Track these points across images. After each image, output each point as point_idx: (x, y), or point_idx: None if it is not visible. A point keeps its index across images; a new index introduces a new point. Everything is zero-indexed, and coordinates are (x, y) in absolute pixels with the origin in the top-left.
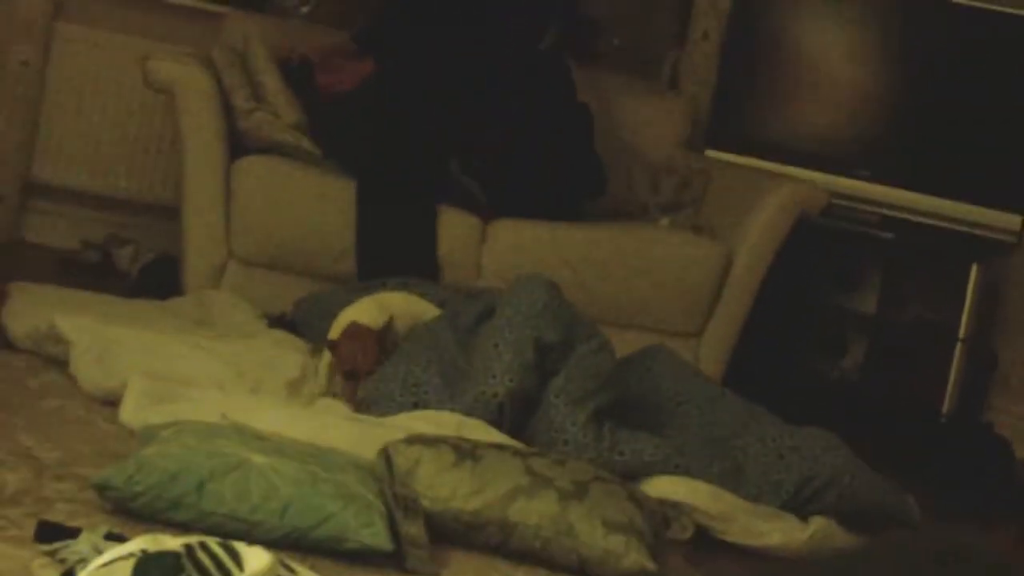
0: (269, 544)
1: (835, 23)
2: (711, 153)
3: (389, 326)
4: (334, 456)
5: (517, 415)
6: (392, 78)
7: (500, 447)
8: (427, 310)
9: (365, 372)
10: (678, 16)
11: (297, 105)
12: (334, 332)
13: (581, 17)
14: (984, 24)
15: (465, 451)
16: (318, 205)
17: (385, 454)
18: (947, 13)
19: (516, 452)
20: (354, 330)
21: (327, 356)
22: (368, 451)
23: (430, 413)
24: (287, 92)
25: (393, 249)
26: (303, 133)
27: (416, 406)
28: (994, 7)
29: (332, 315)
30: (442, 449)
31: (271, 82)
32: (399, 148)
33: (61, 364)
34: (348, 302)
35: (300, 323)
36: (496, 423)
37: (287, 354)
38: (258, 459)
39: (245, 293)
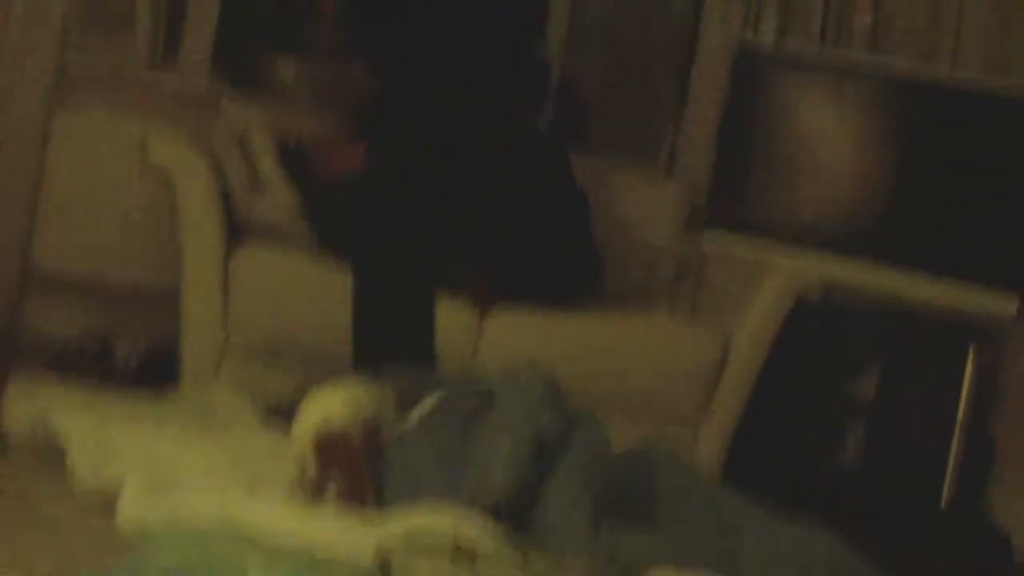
0: None
1: (832, 104)
2: (709, 237)
3: (373, 426)
4: (330, 568)
5: (515, 511)
6: (389, 162)
7: (498, 547)
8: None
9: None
10: (675, 98)
11: (294, 190)
12: (303, 434)
13: (577, 100)
14: (978, 105)
15: (463, 554)
16: (316, 292)
17: (381, 559)
18: (943, 94)
19: (514, 552)
20: (337, 455)
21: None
22: (365, 552)
23: (428, 506)
24: (285, 177)
25: (390, 336)
26: (301, 219)
27: (414, 496)
28: (988, 88)
29: None
30: (439, 552)
31: (269, 167)
32: (394, 233)
33: (57, 458)
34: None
35: None
36: (494, 518)
37: (286, 448)
38: (254, 573)
39: (244, 381)
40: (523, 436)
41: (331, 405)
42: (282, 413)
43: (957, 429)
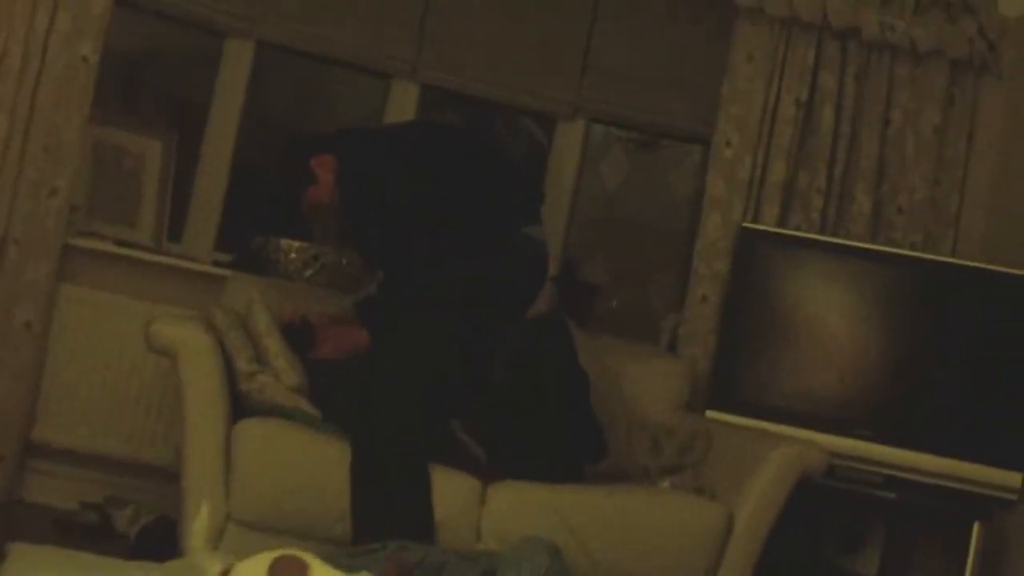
0: None
1: (834, 286)
2: (711, 414)
3: None
4: None
5: None
6: (389, 343)
7: None
8: None
9: None
10: (677, 279)
11: (298, 368)
12: None
13: (580, 280)
14: (982, 284)
15: None
16: (317, 468)
17: None
18: (945, 274)
19: None
20: None
21: None
22: None
23: None
24: (289, 355)
25: (388, 513)
26: (303, 396)
27: None
28: (992, 267)
29: None
30: None
31: (273, 345)
32: (392, 412)
33: None
34: (349, 567)
35: None
36: None
37: None
38: None
39: (244, 555)
40: None
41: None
42: None
43: None
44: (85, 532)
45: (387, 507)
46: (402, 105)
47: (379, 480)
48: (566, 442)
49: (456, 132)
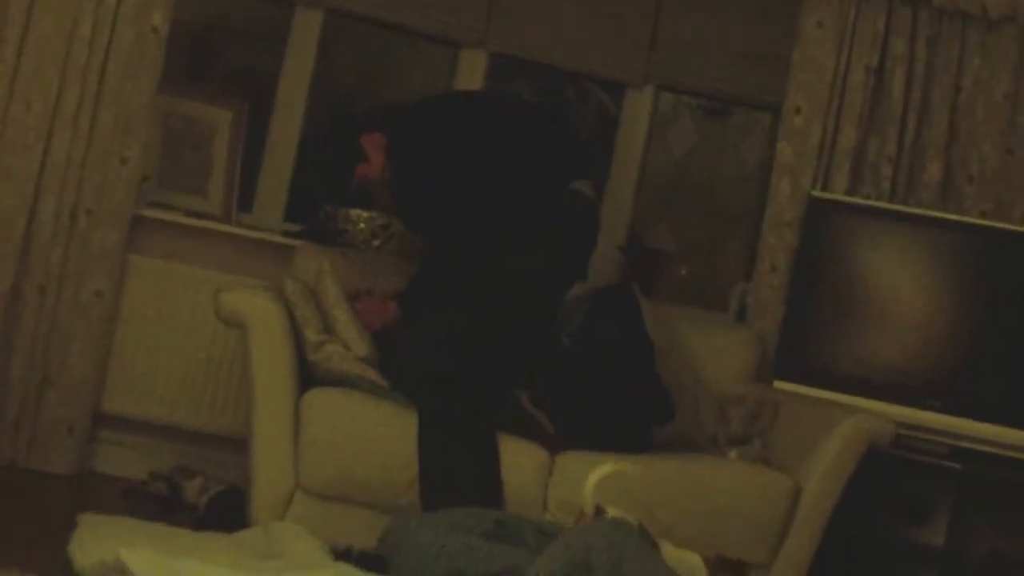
0: None
1: (903, 255)
2: (779, 385)
3: None
4: None
5: None
6: (447, 314)
7: None
8: None
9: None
10: (745, 248)
11: (367, 339)
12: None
13: (648, 247)
14: None
15: None
16: (385, 438)
17: None
18: (1015, 242)
19: None
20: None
21: None
22: None
23: None
24: (357, 326)
25: (457, 483)
26: (372, 366)
27: None
28: None
29: (422, 556)
30: None
31: (341, 316)
32: (457, 382)
33: None
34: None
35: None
36: None
37: None
38: None
39: (311, 525)
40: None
41: None
42: (350, 556)
43: None
44: (154, 502)
45: (456, 477)
46: (471, 74)
47: (447, 450)
48: (633, 408)
49: (497, 97)
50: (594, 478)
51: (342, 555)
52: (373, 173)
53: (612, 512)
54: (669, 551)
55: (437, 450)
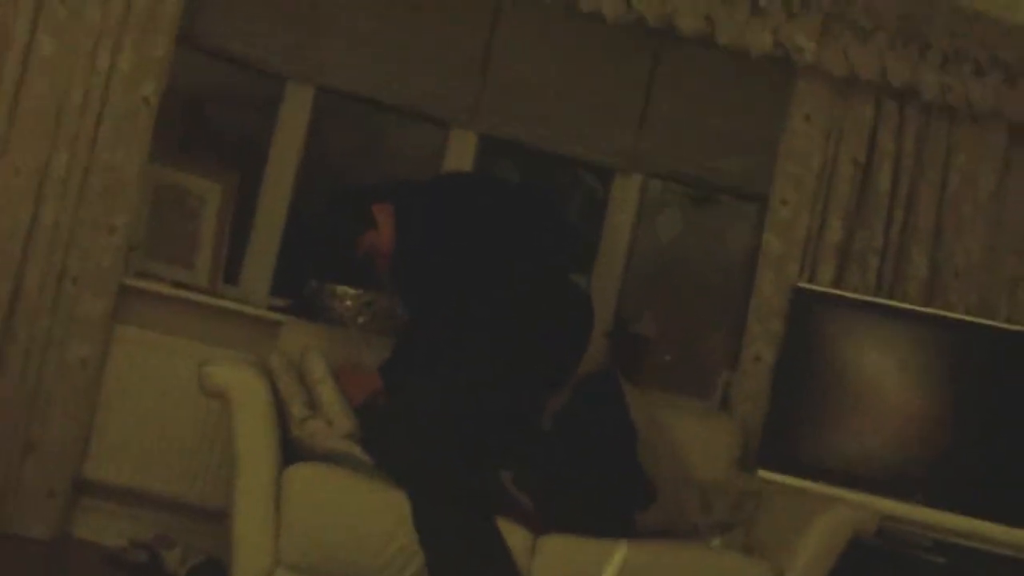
0: None
1: (888, 348)
2: (763, 474)
3: None
4: None
5: None
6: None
7: None
8: None
9: None
10: (730, 336)
11: (351, 416)
12: None
13: (633, 333)
14: None
15: None
16: (368, 515)
17: None
18: (995, 338)
19: None
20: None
21: None
22: None
23: None
24: (342, 403)
25: (466, 566)
26: (356, 443)
27: None
28: None
29: None
30: None
31: (327, 392)
32: (449, 463)
33: None
34: None
35: None
36: None
37: None
38: None
39: None
40: None
41: None
42: None
43: None
44: (134, 570)
45: (463, 556)
46: (460, 153)
47: (447, 529)
48: (614, 492)
49: (504, 184)
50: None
51: None
52: (383, 242)
53: None
54: None
55: (438, 528)
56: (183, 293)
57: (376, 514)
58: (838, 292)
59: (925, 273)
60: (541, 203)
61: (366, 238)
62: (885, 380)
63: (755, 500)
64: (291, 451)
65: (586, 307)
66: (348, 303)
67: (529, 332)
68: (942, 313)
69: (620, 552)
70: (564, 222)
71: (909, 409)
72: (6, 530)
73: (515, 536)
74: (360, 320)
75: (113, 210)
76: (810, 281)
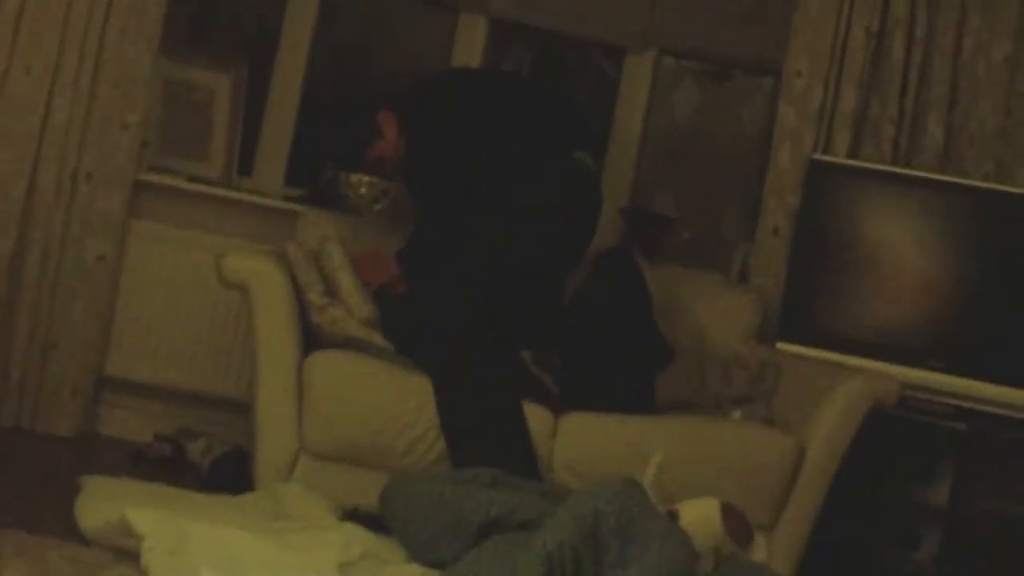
0: None
1: (905, 217)
2: (782, 346)
3: None
4: None
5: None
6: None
7: None
8: None
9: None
10: (747, 211)
11: (371, 302)
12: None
13: (651, 212)
14: None
15: None
16: (388, 400)
17: None
18: (1012, 204)
19: None
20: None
21: None
22: None
23: None
24: (362, 290)
25: (486, 443)
26: (375, 329)
27: None
28: None
29: (422, 506)
30: None
31: (346, 280)
32: (470, 348)
33: (133, 557)
34: (439, 492)
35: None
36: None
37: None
38: None
39: (316, 486)
40: (583, 506)
41: None
42: (355, 517)
43: None
44: (159, 464)
45: (484, 437)
46: (471, 39)
47: (470, 411)
48: (634, 360)
49: (500, 73)
50: (648, 482)
51: (347, 516)
52: (388, 150)
53: (687, 513)
54: (685, 503)
55: (460, 412)
56: (198, 186)
57: (397, 399)
58: (854, 163)
59: (940, 141)
60: (543, 92)
61: (372, 149)
62: (903, 249)
63: (775, 372)
64: (310, 340)
65: (594, 185)
66: (363, 191)
67: (545, 216)
68: (959, 180)
69: (656, 460)
70: (571, 107)
71: (927, 277)
72: (31, 428)
73: (536, 418)
74: (376, 207)
75: (125, 106)
76: (825, 153)
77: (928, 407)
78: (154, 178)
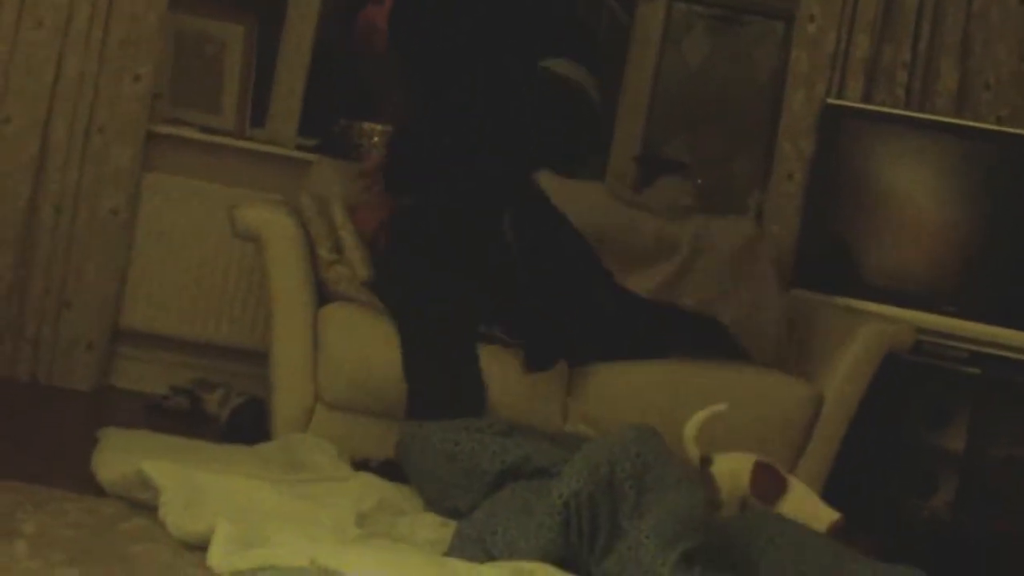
0: None
1: (919, 162)
2: (797, 292)
3: None
4: None
5: (587, 525)
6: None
7: None
8: None
9: None
10: (761, 157)
11: (368, 262)
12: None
13: (663, 158)
14: None
15: None
16: (395, 352)
17: None
18: None
19: None
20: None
21: None
22: None
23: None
24: (362, 248)
25: (438, 388)
26: (371, 290)
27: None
28: None
29: (437, 456)
30: None
31: (348, 237)
32: (433, 290)
33: (150, 510)
34: (454, 441)
35: (404, 462)
36: (562, 529)
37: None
38: None
39: (332, 436)
40: (599, 455)
41: None
42: (371, 466)
43: None
44: (175, 416)
45: (437, 383)
46: None
47: (427, 358)
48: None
49: None
50: (691, 428)
51: (363, 465)
52: (382, 18)
53: (720, 464)
54: (721, 455)
55: (416, 358)
56: (211, 138)
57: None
58: (867, 107)
59: (954, 87)
60: None
61: (364, 13)
62: (918, 193)
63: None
64: (325, 289)
65: (565, 88)
66: (376, 139)
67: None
68: (973, 124)
69: (717, 408)
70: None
71: (942, 222)
72: (48, 382)
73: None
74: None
75: (137, 59)
76: (838, 98)
77: (943, 352)
78: (167, 130)
